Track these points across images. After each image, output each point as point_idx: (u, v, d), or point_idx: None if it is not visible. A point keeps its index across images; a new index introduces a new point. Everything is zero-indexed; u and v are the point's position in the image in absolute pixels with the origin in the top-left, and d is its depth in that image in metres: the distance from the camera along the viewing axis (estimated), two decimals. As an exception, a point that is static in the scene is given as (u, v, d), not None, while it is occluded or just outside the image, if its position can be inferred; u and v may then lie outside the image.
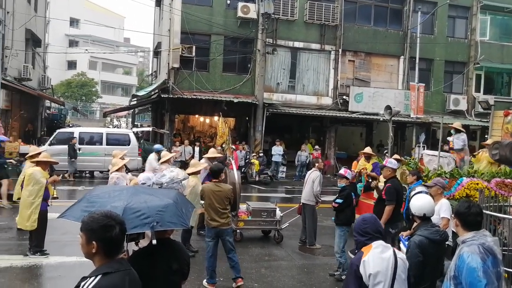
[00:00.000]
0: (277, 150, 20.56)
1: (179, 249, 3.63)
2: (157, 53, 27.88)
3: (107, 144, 17.79)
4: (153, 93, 23.21)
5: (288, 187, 18.66)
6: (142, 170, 14.57)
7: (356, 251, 3.55)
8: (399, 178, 8.12)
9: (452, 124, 10.93)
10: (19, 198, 8.25)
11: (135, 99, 27.41)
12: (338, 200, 7.72)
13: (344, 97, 23.13)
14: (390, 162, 7.69)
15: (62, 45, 52.84)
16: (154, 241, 3.27)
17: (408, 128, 24.59)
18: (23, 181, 8.01)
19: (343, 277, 6.83)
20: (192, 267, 3.53)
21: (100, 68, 62.89)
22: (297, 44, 22.88)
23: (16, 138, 19.98)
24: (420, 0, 24.23)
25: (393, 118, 13.59)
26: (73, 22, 60.42)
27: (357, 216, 7.40)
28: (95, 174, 18.56)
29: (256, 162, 19.25)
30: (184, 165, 16.78)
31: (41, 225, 7.70)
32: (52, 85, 31.82)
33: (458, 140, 10.11)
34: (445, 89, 25.04)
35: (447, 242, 5.01)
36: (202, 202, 6.90)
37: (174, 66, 21.02)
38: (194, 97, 20.97)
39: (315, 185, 9.18)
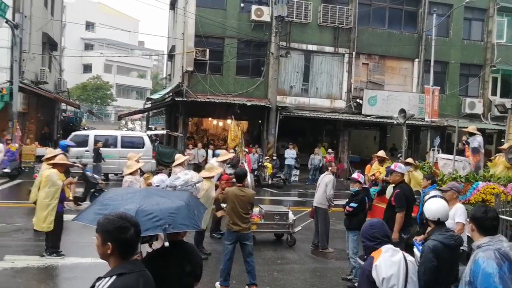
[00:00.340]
0: (290, 154, 20.55)
1: (192, 251, 3.64)
2: (171, 56, 28.10)
3: (121, 147, 17.95)
4: (167, 96, 23.38)
5: (301, 190, 18.62)
6: (156, 172, 14.68)
7: (365, 256, 3.55)
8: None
9: (467, 128, 10.82)
10: (35, 202, 8.36)
11: (150, 102, 27.70)
12: (352, 204, 7.69)
13: (358, 100, 23.05)
14: (400, 167, 7.55)
15: (78, 48, 53.46)
16: (167, 243, 3.29)
17: (422, 131, 24.39)
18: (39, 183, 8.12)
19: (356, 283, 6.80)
20: (204, 270, 3.56)
21: (115, 71, 63.54)
22: (311, 47, 22.87)
23: (32, 141, 20.31)
24: (435, 2, 24.03)
25: (407, 122, 13.50)
26: (89, 25, 61.15)
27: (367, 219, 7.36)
28: (109, 176, 18.73)
29: (269, 165, 19.26)
30: (197, 168, 16.85)
31: (57, 226, 7.80)
32: (68, 88, 32.30)
33: (474, 141, 9.97)
34: (461, 92, 24.77)
35: (461, 247, 4.96)
36: (224, 205, 6.88)
37: (188, 69, 21.16)
38: (208, 100, 21.08)
39: (328, 188, 9.15)
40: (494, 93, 25.21)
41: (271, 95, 21.51)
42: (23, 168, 17.59)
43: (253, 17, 21.60)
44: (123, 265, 2.54)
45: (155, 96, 25.80)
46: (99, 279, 2.52)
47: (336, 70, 23.33)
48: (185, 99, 21.08)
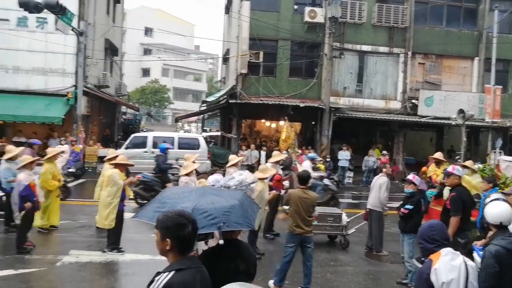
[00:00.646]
0: (344, 155, 20.31)
1: (246, 249, 3.65)
2: (226, 59, 28.55)
3: (178, 148, 18.44)
4: (221, 98, 23.78)
5: (354, 192, 18.36)
6: (211, 173, 15.00)
7: (423, 258, 3.47)
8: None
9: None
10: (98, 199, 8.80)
11: (205, 104, 28.24)
12: (408, 206, 7.52)
13: (414, 101, 22.42)
14: (458, 169, 7.27)
15: (137, 53, 55.50)
16: (221, 241, 3.33)
17: (482, 133, 23.34)
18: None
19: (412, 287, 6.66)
20: (258, 269, 3.62)
21: (172, 75, 65.27)
22: (365, 48, 22.52)
23: (95, 142, 21.30)
24: (497, -2, 22.98)
25: (466, 122, 13.01)
26: (148, 31, 63.27)
27: (422, 222, 7.17)
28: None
29: (322, 167, 19.11)
30: (250, 169, 17.03)
31: (118, 224, 8.16)
32: (128, 92, 33.59)
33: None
34: (525, 92, 23.50)
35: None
36: (287, 207, 6.90)
37: (242, 72, 21.45)
38: (261, 102, 21.27)
39: (381, 191, 9.01)
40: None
41: (325, 96, 21.37)
42: (86, 168, 18.54)
43: (307, 18, 21.57)
44: (181, 261, 2.63)
45: (210, 99, 26.30)
46: (158, 273, 2.63)
47: (391, 71, 22.82)
48: (239, 101, 21.37)
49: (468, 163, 9.69)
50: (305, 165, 12.94)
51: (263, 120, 27.17)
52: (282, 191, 10.38)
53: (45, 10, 15.58)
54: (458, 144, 17.72)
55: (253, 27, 21.34)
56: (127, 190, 8.54)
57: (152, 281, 2.62)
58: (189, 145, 18.76)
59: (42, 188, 8.96)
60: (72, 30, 17.44)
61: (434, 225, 3.50)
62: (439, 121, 21.86)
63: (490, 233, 4.36)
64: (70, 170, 16.56)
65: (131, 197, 9.52)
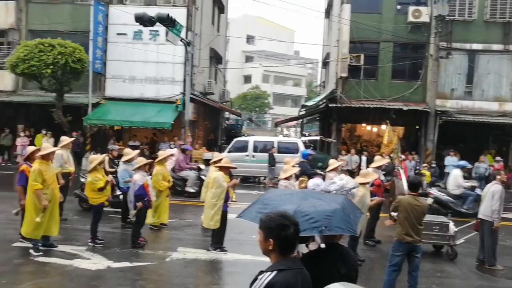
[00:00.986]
0: (451, 161, 19.10)
1: (347, 254, 3.64)
2: (325, 63, 28.42)
3: (278, 152, 18.74)
4: (321, 103, 23.70)
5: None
6: (309, 177, 14.99)
7: None
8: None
9: None
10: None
11: (304, 109, 28.35)
12: None
13: (533, 102, 20.45)
14: None
15: (239, 60, 57.31)
16: (323, 245, 3.35)
17: None
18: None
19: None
20: (358, 276, 3.59)
21: (272, 81, 66.38)
22: (475, 46, 21.01)
23: (201, 146, 22.41)
24: None
25: None
26: (249, 39, 65.11)
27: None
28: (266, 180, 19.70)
29: (427, 173, 18.16)
30: (350, 174, 16.77)
31: (222, 224, 8.53)
32: (230, 98, 34.84)
33: None
34: None
35: None
36: (394, 214, 6.74)
37: (342, 75, 21.20)
38: (362, 105, 20.84)
39: (494, 200, 8.37)
40: None
41: (430, 99, 20.35)
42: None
43: (410, 18, 20.72)
44: (283, 261, 2.68)
45: (310, 103, 26.37)
46: (261, 272, 2.70)
47: (506, 70, 21.01)
48: (339, 105, 21.13)
49: None
50: (455, 174, 12.56)
51: (363, 124, 26.55)
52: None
53: (157, 23, 16.78)
54: None
55: (353, 30, 20.99)
56: (230, 192, 8.88)
57: (255, 280, 2.69)
58: (289, 149, 18.95)
59: (153, 188, 9.64)
60: (180, 40, 18.54)
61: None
62: None
63: None
64: (178, 172, 17.55)
65: (234, 199, 9.85)
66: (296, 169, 8.84)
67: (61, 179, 8.75)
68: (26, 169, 7.93)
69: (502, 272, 8.29)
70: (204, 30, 23.62)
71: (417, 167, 18.41)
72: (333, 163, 9.80)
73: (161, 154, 10.63)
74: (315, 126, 40.91)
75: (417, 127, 21.76)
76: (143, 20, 16.25)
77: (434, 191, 13.08)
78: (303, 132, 38.59)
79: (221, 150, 22.74)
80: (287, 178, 8.41)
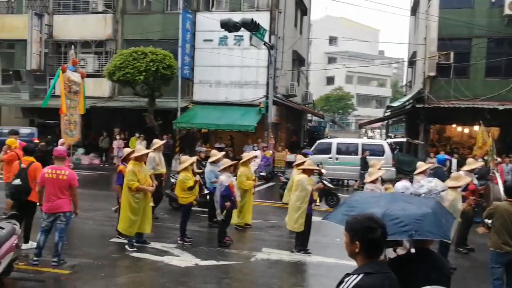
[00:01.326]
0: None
1: (438, 260, 3.48)
2: (411, 63, 27.39)
3: (362, 155, 18.37)
4: (407, 103, 22.89)
5: None
6: (395, 181, 14.54)
7: None
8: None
9: None
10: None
11: (389, 110, 27.54)
12: None
13: None
14: None
15: (322, 62, 56.95)
16: (413, 250, 3.24)
17: None
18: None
19: None
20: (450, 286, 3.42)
21: (356, 82, 65.21)
22: None
23: (283, 148, 22.59)
24: None
25: None
26: (332, 40, 64.50)
27: None
28: (350, 183, 19.38)
29: (526, 177, 16.83)
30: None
31: (306, 227, 8.51)
32: (313, 100, 34.71)
33: None
34: None
35: None
36: (488, 221, 6.35)
37: (430, 74, 20.30)
38: (452, 105, 19.79)
39: None
40: None
41: (529, 97, 18.85)
42: (275, 172, 19.79)
43: (507, 11, 19.31)
44: (370, 264, 2.65)
45: (395, 104, 25.58)
46: (347, 275, 2.68)
47: None
48: (427, 106, 20.27)
49: None
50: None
51: (454, 125, 25.21)
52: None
53: (242, 28, 17.20)
54: None
55: (442, 27, 19.99)
56: (314, 194, 8.86)
57: (341, 282, 2.68)
58: (373, 151, 18.49)
59: (238, 189, 9.88)
60: (264, 44, 18.85)
61: None
62: None
63: None
64: (261, 174, 17.88)
65: (318, 204, 9.80)
66: (382, 172, 8.59)
67: (154, 180, 9.28)
68: (123, 170, 8.51)
69: None
70: (287, 33, 23.79)
71: (516, 171, 17.09)
72: (421, 165, 9.42)
73: (245, 156, 10.86)
74: (401, 127, 39.59)
75: (514, 127, 20.25)
76: (228, 26, 16.74)
77: None
78: (389, 134, 37.47)
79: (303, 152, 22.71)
80: (373, 181, 8.22)
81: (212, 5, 23.11)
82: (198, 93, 22.75)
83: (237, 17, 18.07)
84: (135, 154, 8.42)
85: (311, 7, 32.65)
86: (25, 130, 19.35)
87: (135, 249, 8.27)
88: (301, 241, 8.64)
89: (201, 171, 11.05)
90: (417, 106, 20.56)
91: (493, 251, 6.16)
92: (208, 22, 21.50)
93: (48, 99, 13.07)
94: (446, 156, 12.80)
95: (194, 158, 9.45)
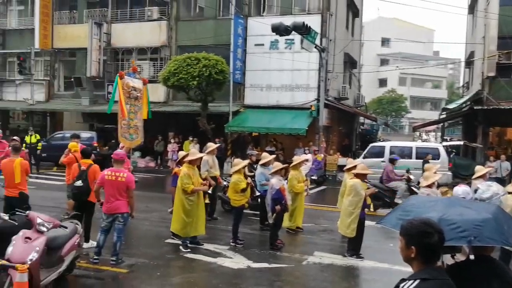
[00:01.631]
0: None
1: (500, 268, 3.33)
2: (469, 63, 26.38)
3: (416, 158, 17.88)
4: (464, 105, 22.07)
5: None
6: (452, 185, 14.04)
7: None
8: None
9: None
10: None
11: (445, 112, 26.68)
12: None
13: None
14: None
15: (374, 64, 55.97)
16: (472, 257, 3.14)
17: None
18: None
19: None
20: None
21: (409, 84, 63.59)
22: None
23: (335, 152, 22.38)
24: None
25: None
26: (384, 41, 63.22)
27: None
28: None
29: None
30: (500, 182, 15.25)
31: (359, 232, 8.37)
32: (365, 103, 34.19)
33: None
34: None
35: None
36: None
37: (490, 74, 19.49)
38: (513, 107, 18.91)
39: None
40: None
41: None
42: (327, 175, 19.64)
43: None
44: (427, 270, 2.60)
45: (451, 106, 24.68)
46: (403, 280, 2.65)
47: None
48: (485, 107, 19.45)
49: None
50: None
51: (515, 128, 24.06)
52: None
53: (293, 32, 17.23)
54: None
55: (502, 24, 19.15)
56: (367, 199, 8.72)
57: (396, 287, 2.66)
58: (428, 155, 17.95)
59: (290, 192, 9.90)
60: (315, 47, 18.77)
61: None
62: None
63: None
64: (313, 177, 17.79)
65: (372, 209, 9.60)
66: (438, 176, 8.33)
67: (211, 180, 9.47)
68: (179, 172, 8.76)
69: None
70: (338, 35, 23.58)
71: None
72: (479, 169, 9.05)
73: (296, 159, 10.86)
74: (457, 130, 38.21)
75: None
76: (279, 30, 16.82)
77: None
78: (444, 137, 36.26)
79: (355, 156, 22.41)
80: (429, 186, 8.00)
81: (263, 10, 23.29)
82: (249, 97, 22.97)
83: (288, 20, 18.09)
84: (189, 158, 8.63)
85: (363, 8, 32.22)
86: (85, 134, 20.24)
87: (189, 250, 8.47)
88: (353, 245, 8.53)
89: (252, 174, 11.16)
90: (475, 107, 19.79)
91: None
92: (259, 27, 21.67)
93: (111, 105, 13.64)
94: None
95: (247, 161, 9.57)
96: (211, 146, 11.22)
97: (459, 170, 18.05)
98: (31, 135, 19.46)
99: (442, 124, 32.94)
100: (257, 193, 10.83)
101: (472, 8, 26.19)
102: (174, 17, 24.73)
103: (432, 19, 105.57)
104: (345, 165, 10.88)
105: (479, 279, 3.22)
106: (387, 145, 19.74)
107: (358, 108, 30.40)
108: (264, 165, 10.39)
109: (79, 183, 8.13)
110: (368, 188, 8.75)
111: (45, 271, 5.58)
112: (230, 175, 9.70)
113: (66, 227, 6.30)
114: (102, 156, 17.79)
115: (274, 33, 17.52)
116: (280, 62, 22.00)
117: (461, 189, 5.27)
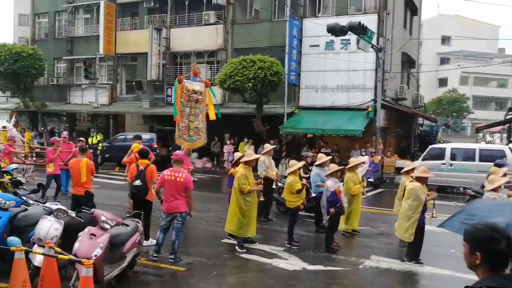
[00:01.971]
0: None
1: None
2: (539, 60, 24.90)
3: (479, 161, 17.12)
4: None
5: None
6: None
7: None
8: None
9: None
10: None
11: (511, 112, 25.32)
12: None
13: None
14: None
15: (434, 63, 54.09)
16: None
17: None
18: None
19: None
20: None
21: (472, 83, 60.94)
22: None
23: (392, 154, 21.85)
24: None
25: None
26: (444, 39, 60.97)
27: None
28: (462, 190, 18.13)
29: None
30: None
31: (418, 237, 8.09)
32: (424, 103, 33.11)
33: None
34: None
35: None
36: None
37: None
38: None
39: None
40: None
41: None
42: (384, 178, 19.20)
43: None
44: (493, 278, 2.50)
45: (519, 106, 23.40)
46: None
47: None
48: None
49: None
50: None
51: None
52: None
53: (348, 32, 17.01)
54: None
55: None
56: (428, 204, 8.44)
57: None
58: (494, 157, 17.04)
59: (346, 195, 9.77)
60: (372, 47, 18.44)
61: None
62: None
63: None
64: (369, 180, 17.45)
65: (434, 215, 9.22)
66: (505, 179, 7.93)
67: (273, 176, 9.51)
68: (234, 173, 8.91)
69: None
70: (395, 34, 23.00)
71: None
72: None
73: (352, 161, 10.72)
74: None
75: None
76: (335, 31, 16.66)
77: None
78: (511, 139, 34.37)
79: (414, 158, 21.75)
80: (494, 190, 7.63)
81: (319, 11, 23.15)
82: (304, 98, 22.89)
83: (343, 21, 17.87)
84: (246, 159, 8.76)
85: (422, 6, 31.21)
86: (145, 136, 20.95)
87: (244, 250, 8.58)
88: (412, 250, 8.29)
89: (307, 175, 11.13)
90: (546, 107, 18.62)
91: None
92: (315, 28, 21.56)
93: (176, 109, 14.09)
94: None
95: (302, 163, 9.56)
96: (268, 147, 11.31)
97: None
98: (93, 137, 20.46)
99: (508, 124, 31.27)
100: (313, 195, 10.77)
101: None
102: (230, 21, 25.10)
103: (497, 15, 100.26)
104: (402, 168, 10.59)
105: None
106: (448, 146, 19.04)
107: (417, 109, 29.51)
108: (320, 165, 10.33)
109: (137, 182, 8.44)
110: (430, 191, 8.47)
111: (108, 267, 5.85)
112: (285, 177, 9.72)
113: (128, 225, 6.58)
114: (161, 157, 18.36)
115: (329, 34, 17.37)
116: (335, 62, 21.76)
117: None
